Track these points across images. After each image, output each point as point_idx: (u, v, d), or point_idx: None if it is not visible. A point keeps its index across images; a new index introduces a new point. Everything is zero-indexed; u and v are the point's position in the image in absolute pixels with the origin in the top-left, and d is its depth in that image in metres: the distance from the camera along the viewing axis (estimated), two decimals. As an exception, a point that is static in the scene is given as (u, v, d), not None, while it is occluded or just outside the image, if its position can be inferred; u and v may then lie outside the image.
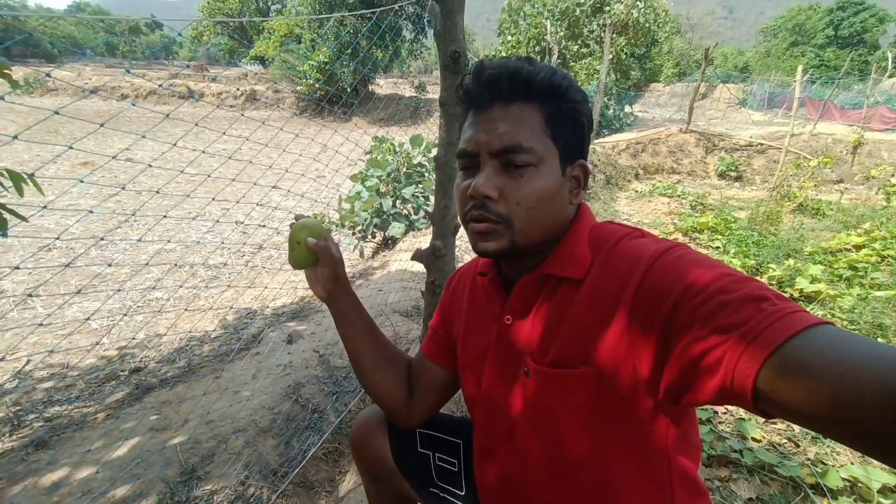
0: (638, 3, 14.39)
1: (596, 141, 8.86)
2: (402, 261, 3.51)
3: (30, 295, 2.57)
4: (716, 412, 1.81)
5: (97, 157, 6.90)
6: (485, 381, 0.69)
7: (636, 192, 7.08)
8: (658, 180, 8.14)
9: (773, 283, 3.24)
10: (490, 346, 0.68)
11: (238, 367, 2.10)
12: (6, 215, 1.00)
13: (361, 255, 4.13)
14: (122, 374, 2.29)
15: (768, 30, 46.92)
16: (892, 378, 0.34)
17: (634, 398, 0.54)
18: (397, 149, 4.70)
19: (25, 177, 1.02)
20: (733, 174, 8.73)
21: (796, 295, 3.03)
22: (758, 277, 3.42)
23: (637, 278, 0.52)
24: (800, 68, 7.11)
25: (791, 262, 3.50)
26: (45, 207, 0.91)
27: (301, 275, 3.98)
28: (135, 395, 1.97)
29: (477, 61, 0.61)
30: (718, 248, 4.17)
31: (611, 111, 13.32)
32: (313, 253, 0.75)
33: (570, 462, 0.60)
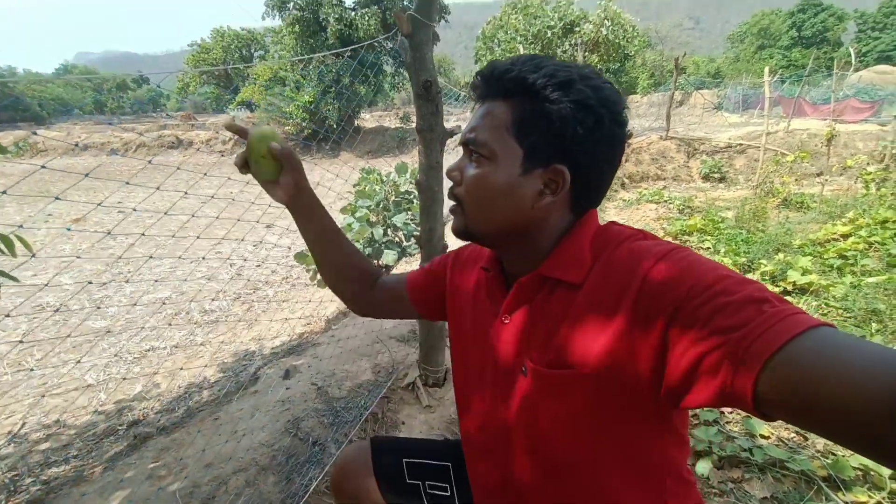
0: (606, 21, 14.99)
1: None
2: (397, 288, 3.50)
3: (21, 342, 2.55)
4: (722, 412, 1.79)
5: (89, 209, 6.94)
6: (481, 381, 0.69)
7: (624, 200, 7.16)
8: (644, 188, 8.26)
9: (766, 277, 3.26)
10: (488, 344, 0.67)
11: (235, 408, 2.07)
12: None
13: (357, 285, 4.12)
14: (120, 428, 2.24)
15: (735, 36, 48.65)
16: (893, 381, 0.34)
17: (633, 399, 0.53)
18: (384, 178, 4.77)
19: (12, 238, 1.03)
20: (717, 175, 8.88)
21: (789, 288, 3.05)
22: (749, 274, 3.44)
23: (638, 280, 0.51)
24: (766, 70, 7.36)
25: (781, 256, 3.53)
26: (33, 256, 0.93)
27: (298, 311, 3.89)
28: (132, 446, 1.94)
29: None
30: (709, 248, 4.20)
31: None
32: (277, 162, 0.72)
33: (566, 462, 0.60)
